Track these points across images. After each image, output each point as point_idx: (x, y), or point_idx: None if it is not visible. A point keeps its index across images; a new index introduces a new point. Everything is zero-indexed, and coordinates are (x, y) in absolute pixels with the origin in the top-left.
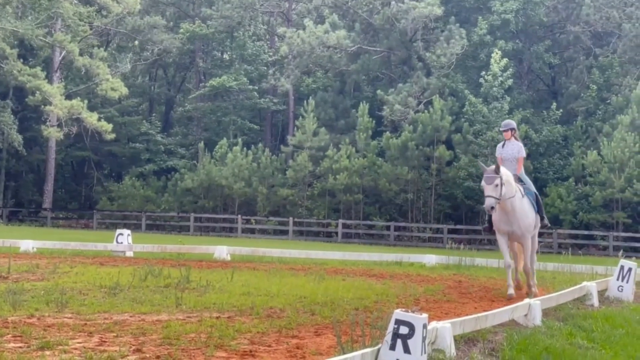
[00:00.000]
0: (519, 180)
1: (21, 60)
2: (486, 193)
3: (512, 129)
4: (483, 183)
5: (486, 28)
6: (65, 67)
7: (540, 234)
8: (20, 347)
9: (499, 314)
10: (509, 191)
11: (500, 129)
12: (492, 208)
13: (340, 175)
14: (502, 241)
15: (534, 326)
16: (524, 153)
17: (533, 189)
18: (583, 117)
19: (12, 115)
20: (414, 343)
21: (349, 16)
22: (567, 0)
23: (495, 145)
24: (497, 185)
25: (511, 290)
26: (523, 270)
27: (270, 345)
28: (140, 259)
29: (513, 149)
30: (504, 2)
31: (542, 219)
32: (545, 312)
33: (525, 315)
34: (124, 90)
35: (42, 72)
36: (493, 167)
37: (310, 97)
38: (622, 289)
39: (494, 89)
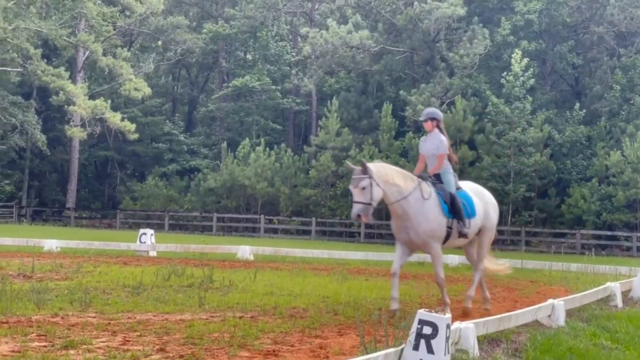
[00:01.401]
0: (429, 178)
1: (45, 60)
2: (353, 198)
3: (432, 119)
4: (350, 186)
5: (509, 28)
6: (89, 67)
7: (563, 234)
8: (45, 346)
9: (523, 315)
10: (392, 193)
11: (420, 119)
12: (359, 216)
13: None
14: (397, 247)
15: (557, 327)
16: (445, 149)
17: (452, 190)
18: (606, 117)
19: (35, 115)
20: (438, 343)
21: (372, 16)
22: (590, 0)
23: (518, 145)
24: (364, 188)
25: (394, 305)
26: (436, 282)
27: (293, 345)
28: (163, 259)
29: (433, 144)
30: (527, 3)
31: (464, 225)
32: (569, 313)
33: (549, 315)
34: (147, 91)
35: (65, 72)
36: (360, 167)
37: (333, 97)
38: None
39: (516, 89)
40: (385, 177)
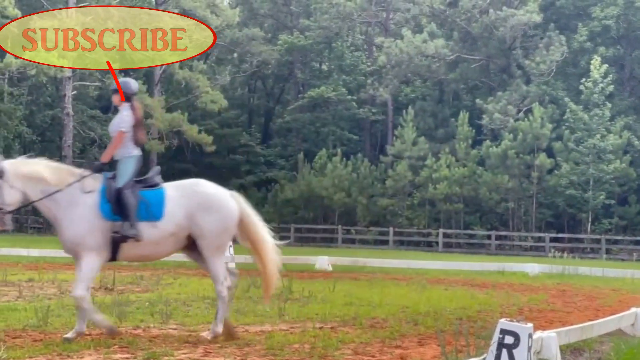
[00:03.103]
0: (104, 171)
1: (122, 74)
2: None
3: (116, 91)
4: None
5: (586, 34)
6: (166, 81)
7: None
8: (127, 357)
9: (605, 324)
10: (34, 191)
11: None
12: None
13: (440, 184)
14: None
15: None
16: (124, 126)
17: (122, 183)
18: None
19: None
20: (520, 353)
21: (447, 25)
22: None
23: (597, 152)
24: None
25: (72, 333)
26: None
27: (374, 355)
28: (242, 270)
29: (116, 120)
30: (604, 8)
31: (130, 226)
32: None
33: (632, 324)
34: (224, 103)
35: (143, 86)
36: None
37: (409, 107)
38: None
39: (595, 95)
40: (25, 174)
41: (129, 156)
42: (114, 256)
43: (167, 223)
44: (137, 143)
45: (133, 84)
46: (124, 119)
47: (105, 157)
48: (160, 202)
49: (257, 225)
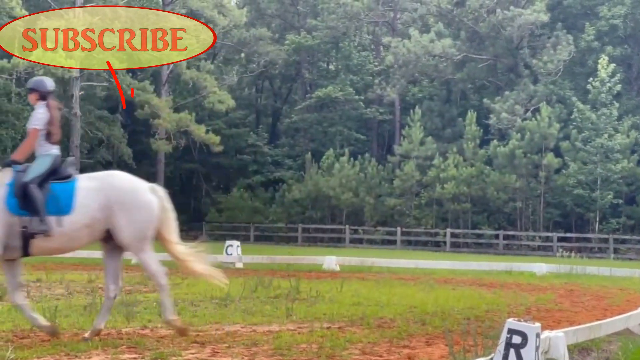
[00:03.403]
0: (16, 165)
1: (130, 74)
2: None
3: (34, 90)
4: None
5: (593, 34)
6: (173, 81)
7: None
8: (135, 357)
9: (613, 323)
10: None
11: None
12: None
13: (448, 184)
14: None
15: None
16: (38, 123)
17: (28, 178)
18: None
19: (121, 129)
20: (527, 352)
21: (455, 24)
22: None
23: (605, 152)
24: None
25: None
26: None
27: (381, 355)
28: (249, 270)
29: (31, 119)
30: (611, 7)
31: (40, 221)
32: None
33: None
34: (231, 103)
35: (150, 86)
36: None
37: (417, 106)
38: None
39: (602, 95)
40: None
41: (45, 154)
42: (26, 252)
43: (78, 216)
44: (52, 141)
45: (48, 83)
46: (38, 117)
47: (17, 155)
48: (70, 195)
49: (170, 224)
